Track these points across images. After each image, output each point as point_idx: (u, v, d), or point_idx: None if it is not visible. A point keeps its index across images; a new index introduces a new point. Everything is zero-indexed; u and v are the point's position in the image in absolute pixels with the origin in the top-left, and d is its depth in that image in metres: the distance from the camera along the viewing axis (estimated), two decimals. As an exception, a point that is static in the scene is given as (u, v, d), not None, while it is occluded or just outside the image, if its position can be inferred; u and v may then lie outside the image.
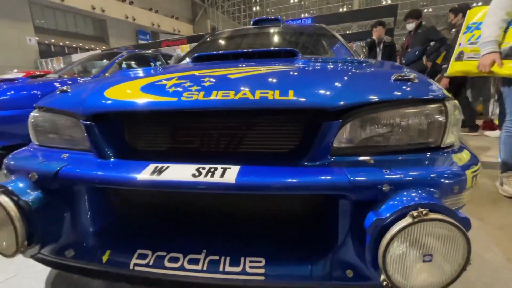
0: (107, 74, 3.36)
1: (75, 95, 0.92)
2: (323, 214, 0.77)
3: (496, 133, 3.07)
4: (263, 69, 0.88)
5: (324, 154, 0.69)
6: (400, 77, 0.78)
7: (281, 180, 0.63)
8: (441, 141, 0.73)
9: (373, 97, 0.71)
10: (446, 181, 0.63)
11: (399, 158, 0.70)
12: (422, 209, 0.54)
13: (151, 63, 4.35)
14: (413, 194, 0.59)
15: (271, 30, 2.31)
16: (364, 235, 0.60)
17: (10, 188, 0.72)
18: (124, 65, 3.92)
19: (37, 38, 21.24)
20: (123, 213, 0.91)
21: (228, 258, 0.71)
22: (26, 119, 2.71)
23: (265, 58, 1.32)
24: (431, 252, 0.56)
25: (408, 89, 0.75)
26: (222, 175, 0.64)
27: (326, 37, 2.19)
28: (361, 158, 0.70)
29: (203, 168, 0.67)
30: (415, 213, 0.54)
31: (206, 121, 0.81)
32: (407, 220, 0.54)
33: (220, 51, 1.73)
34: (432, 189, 0.61)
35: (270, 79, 0.79)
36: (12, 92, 2.56)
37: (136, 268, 0.73)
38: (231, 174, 0.64)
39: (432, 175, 0.63)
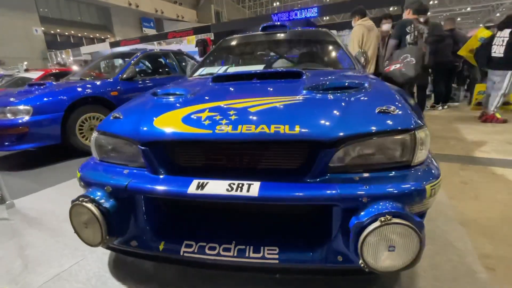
0: (127, 74, 3.60)
1: (128, 122, 1.17)
2: (321, 216, 1.03)
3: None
4: (275, 102, 1.12)
5: (322, 173, 0.94)
6: (382, 110, 1.01)
7: (291, 194, 0.89)
8: (412, 160, 0.97)
9: (360, 130, 0.95)
10: (409, 194, 0.88)
11: (378, 175, 0.94)
12: (388, 216, 0.80)
13: (162, 61, 4.55)
14: (383, 204, 0.84)
15: (278, 37, 2.49)
16: (349, 232, 0.86)
17: (94, 197, 1.00)
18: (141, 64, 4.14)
19: (42, 28, 21.32)
20: (172, 213, 1.19)
21: (251, 247, 0.99)
22: (55, 122, 3.03)
23: (274, 79, 1.55)
24: (394, 244, 0.81)
25: (388, 121, 0.98)
26: (248, 190, 0.90)
27: (329, 44, 2.37)
28: (349, 176, 0.94)
29: (233, 184, 0.93)
30: (383, 218, 0.79)
31: (234, 147, 1.06)
32: (377, 223, 0.80)
33: (235, 71, 1.95)
34: (398, 200, 0.86)
35: (281, 114, 1.03)
36: (45, 98, 2.83)
37: (185, 254, 1.01)
38: (254, 188, 0.90)
39: (399, 190, 0.88)
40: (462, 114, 4.75)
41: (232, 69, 2.15)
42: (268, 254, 0.97)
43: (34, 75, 5.38)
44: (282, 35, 2.47)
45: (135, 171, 1.11)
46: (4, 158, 3.36)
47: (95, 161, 1.25)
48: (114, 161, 1.19)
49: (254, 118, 1.03)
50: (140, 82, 3.81)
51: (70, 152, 3.12)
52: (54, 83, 3.43)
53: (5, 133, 2.67)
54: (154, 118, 1.12)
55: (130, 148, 1.14)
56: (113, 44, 12.44)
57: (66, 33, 23.45)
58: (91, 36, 24.71)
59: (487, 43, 3.87)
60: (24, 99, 2.74)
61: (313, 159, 0.95)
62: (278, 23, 2.56)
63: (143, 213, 1.09)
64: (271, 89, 1.33)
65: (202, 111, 1.12)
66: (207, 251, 1.00)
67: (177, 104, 1.24)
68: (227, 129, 0.99)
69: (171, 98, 1.34)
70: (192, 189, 0.94)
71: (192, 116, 1.09)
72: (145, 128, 1.09)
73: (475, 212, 1.66)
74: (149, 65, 4.41)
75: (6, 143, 2.70)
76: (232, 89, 1.42)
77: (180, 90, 1.48)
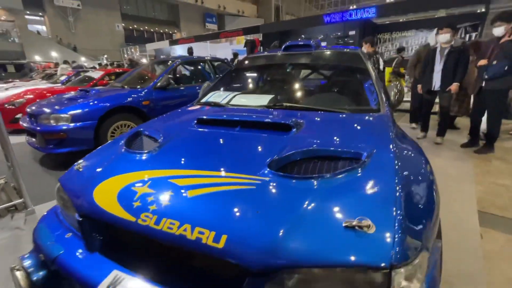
0: (160, 82, 3.73)
1: (78, 183, 1.10)
2: None
3: None
4: (223, 184, 0.90)
5: None
6: (351, 225, 0.72)
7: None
8: None
9: (304, 259, 0.68)
10: None
11: None
12: None
13: (199, 68, 4.60)
14: None
15: (298, 60, 2.19)
16: None
17: (24, 265, 0.96)
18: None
19: (123, 24, 24.22)
20: None
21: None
22: (89, 129, 3.22)
23: (261, 128, 1.32)
24: None
25: (351, 248, 0.68)
26: None
27: (356, 72, 1.98)
28: None
29: None
30: None
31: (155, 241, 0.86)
32: None
33: (232, 108, 1.76)
34: None
35: (214, 212, 0.81)
36: (81, 108, 3.10)
37: None
38: None
39: None
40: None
41: (238, 98, 1.96)
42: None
43: (96, 74, 6.05)
44: (303, 58, 2.16)
45: (76, 238, 1.04)
46: (39, 161, 3.84)
47: (56, 210, 1.23)
48: (66, 219, 1.14)
49: (185, 209, 0.84)
50: (174, 90, 3.90)
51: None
52: (97, 90, 3.74)
53: (48, 137, 3.01)
54: (98, 185, 1.03)
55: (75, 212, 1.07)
56: (172, 42, 13.34)
57: (141, 29, 26.20)
58: (161, 31, 27.10)
59: None
60: (65, 108, 3.04)
61: (241, 282, 0.73)
62: (301, 42, 2.23)
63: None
64: (235, 157, 1.09)
65: (143, 183, 0.97)
66: None
67: (131, 164, 1.12)
68: (150, 221, 0.83)
69: (134, 153, 1.22)
70: (104, 284, 0.82)
71: (129, 191, 0.96)
72: (83, 198, 1.00)
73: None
74: (185, 72, 4.49)
75: (50, 146, 3.05)
76: (198, 148, 1.22)
77: (157, 134, 1.38)
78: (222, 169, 0.99)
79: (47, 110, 3.08)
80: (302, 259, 0.68)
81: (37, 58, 18.56)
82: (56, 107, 3.10)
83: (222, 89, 2.21)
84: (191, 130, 1.41)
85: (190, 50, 7.49)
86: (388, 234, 0.70)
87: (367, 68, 1.91)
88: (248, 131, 1.32)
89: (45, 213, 1.24)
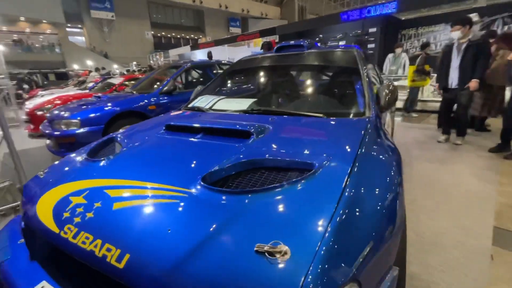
0: (167, 87, 3.81)
1: (32, 190, 1.12)
2: None
3: None
4: (152, 197, 0.85)
5: None
6: (263, 250, 0.62)
7: None
8: None
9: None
10: None
11: None
12: None
13: (207, 73, 4.64)
14: None
15: (287, 62, 2.08)
16: None
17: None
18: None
19: (152, 32, 25.51)
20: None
21: None
22: (97, 134, 3.35)
23: (221, 136, 1.25)
24: None
25: (256, 279, 0.58)
26: None
27: (347, 72, 1.83)
28: None
29: None
30: None
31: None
32: None
33: (200, 116, 1.70)
34: None
35: (125, 229, 0.76)
36: (90, 113, 3.26)
37: None
38: None
39: None
40: None
41: (221, 103, 1.91)
42: None
43: (116, 80, 6.39)
44: (292, 60, 2.05)
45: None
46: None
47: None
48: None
49: (102, 223, 0.80)
50: (180, 95, 3.97)
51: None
52: (107, 96, 3.93)
53: (60, 141, 3.21)
54: (45, 193, 1.03)
55: None
56: (193, 48, 13.73)
57: (169, 35, 27.40)
58: (187, 37, 28.09)
59: None
60: (75, 114, 3.22)
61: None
62: (293, 43, 2.12)
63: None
64: (177, 167, 1.03)
65: (80, 193, 0.96)
66: None
67: (81, 173, 1.11)
68: (70, 234, 0.80)
69: (91, 161, 1.22)
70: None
71: (65, 201, 0.94)
72: (30, 205, 1.01)
73: None
74: (193, 77, 4.56)
75: (62, 150, 3.24)
76: (148, 157, 1.17)
77: (123, 141, 1.38)
78: (158, 179, 0.95)
79: (60, 115, 3.29)
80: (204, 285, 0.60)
81: (75, 66, 20.19)
82: (68, 112, 3.30)
83: (211, 93, 2.18)
84: (156, 136, 1.38)
85: (209, 54, 7.61)
86: (302, 263, 0.60)
87: (358, 68, 1.75)
88: (208, 138, 1.26)
89: (15, 217, 1.28)
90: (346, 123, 1.33)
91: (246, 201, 0.78)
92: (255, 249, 0.63)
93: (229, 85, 2.30)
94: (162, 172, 1.00)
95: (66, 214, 0.88)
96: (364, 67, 1.78)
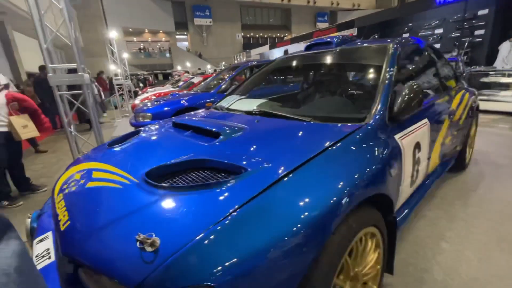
0: (225, 86, 4.17)
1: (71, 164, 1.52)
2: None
3: None
4: (104, 183, 1.04)
5: None
6: (138, 239, 0.70)
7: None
8: None
9: (90, 261, 0.74)
10: None
11: None
12: None
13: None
14: None
15: (312, 61, 1.97)
16: None
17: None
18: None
19: (242, 33, 27.47)
20: None
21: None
22: None
23: (200, 134, 1.36)
24: None
25: (121, 261, 0.68)
26: None
27: (367, 72, 1.61)
28: None
29: None
30: None
31: None
32: None
33: (207, 115, 1.80)
34: None
35: (80, 202, 0.95)
36: (159, 108, 3.91)
37: None
38: None
39: None
40: None
41: (237, 102, 2.00)
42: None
43: (196, 79, 7.30)
44: (316, 59, 1.93)
45: None
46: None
47: None
48: None
49: (73, 197, 1.04)
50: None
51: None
52: (176, 94, 4.58)
53: (139, 130, 4.00)
54: (70, 168, 1.39)
55: None
56: (271, 46, 14.05)
57: (257, 35, 28.90)
58: (274, 36, 28.92)
59: None
60: (150, 108, 3.93)
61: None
62: (325, 40, 1.98)
63: None
64: (145, 158, 1.18)
65: (82, 171, 1.24)
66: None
67: (96, 155, 1.42)
68: (57, 199, 1.08)
69: (108, 147, 1.52)
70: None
71: (72, 175, 1.25)
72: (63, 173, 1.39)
73: None
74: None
75: (140, 137, 4.04)
76: (140, 147, 1.36)
77: (143, 132, 1.65)
78: (123, 167, 1.13)
79: (140, 109, 4.08)
80: (90, 259, 0.74)
81: (179, 67, 23.96)
82: (146, 107, 4.05)
83: (238, 92, 2.30)
84: (161, 131, 1.60)
85: (285, 52, 7.77)
86: (161, 256, 0.66)
87: (381, 67, 1.51)
88: (191, 135, 1.38)
89: None
90: (329, 129, 1.21)
91: (160, 195, 0.87)
92: (135, 236, 0.72)
93: (252, 85, 2.36)
94: (131, 161, 1.19)
95: (65, 186, 1.17)
96: (392, 66, 1.51)
